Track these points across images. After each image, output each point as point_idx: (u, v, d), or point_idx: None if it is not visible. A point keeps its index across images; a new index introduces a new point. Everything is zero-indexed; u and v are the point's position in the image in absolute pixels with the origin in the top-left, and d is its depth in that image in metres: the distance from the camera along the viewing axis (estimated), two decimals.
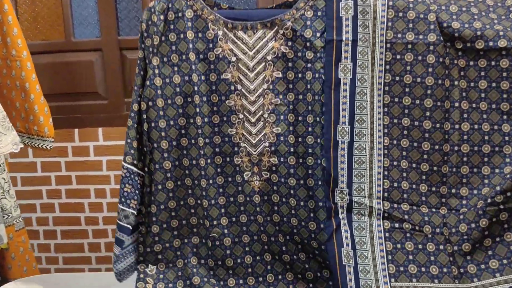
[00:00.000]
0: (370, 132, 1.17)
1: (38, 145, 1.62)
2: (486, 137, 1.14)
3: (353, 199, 1.15)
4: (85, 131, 2.34)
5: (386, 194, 1.14)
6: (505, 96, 1.11)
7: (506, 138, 1.12)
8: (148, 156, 1.23)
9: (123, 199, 1.25)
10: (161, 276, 1.25)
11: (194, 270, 1.23)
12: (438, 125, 1.16)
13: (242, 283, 1.25)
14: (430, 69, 1.13)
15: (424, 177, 1.18)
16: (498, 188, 1.12)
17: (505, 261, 1.14)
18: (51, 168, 2.38)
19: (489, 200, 1.12)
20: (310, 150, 1.20)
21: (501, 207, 1.13)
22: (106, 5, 2.23)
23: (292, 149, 1.22)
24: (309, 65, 1.18)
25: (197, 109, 1.20)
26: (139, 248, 1.26)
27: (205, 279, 1.24)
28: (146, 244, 1.25)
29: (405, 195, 1.15)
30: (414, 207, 1.16)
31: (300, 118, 1.21)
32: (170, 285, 1.23)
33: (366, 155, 1.15)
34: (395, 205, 1.15)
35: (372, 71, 1.15)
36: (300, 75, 1.20)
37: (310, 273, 1.23)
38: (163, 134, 1.21)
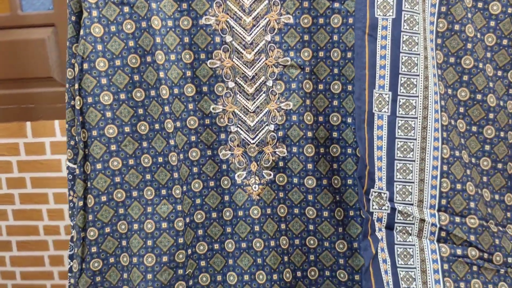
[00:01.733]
0: (423, 104, 0.77)
1: None
2: None
3: (396, 208, 0.76)
4: (39, 124, 1.98)
5: (444, 202, 0.76)
6: None
7: None
8: (82, 151, 0.84)
9: (70, 212, 0.88)
10: None
11: None
12: (501, 103, 0.80)
13: None
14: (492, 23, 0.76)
15: (485, 178, 0.81)
16: None
17: None
18: (1, 169, 2.02)
19: None
20: (335, 135, 0.82)
21: None
22: None
23: (309, 134, 0.83)
24: (336, 4, 0.79)
25: (162, 74, 0.81)
26: (76, 275, 0.88)
27: None
28: (86, 267, 0.86)
29: (472, 204, 0.78)
30: (484, 223, 0.78)
31: (321, 87, 0.82)
32: None
33: (415, 138, 0.76)
34: (458, 219, 0.77)
35: (423, 11, 0.76)
36: (322, 21, 0.81)
37: None
38: (108, 114, 0.82)
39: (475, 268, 0.79)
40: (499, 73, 0.82)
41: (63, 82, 1.94)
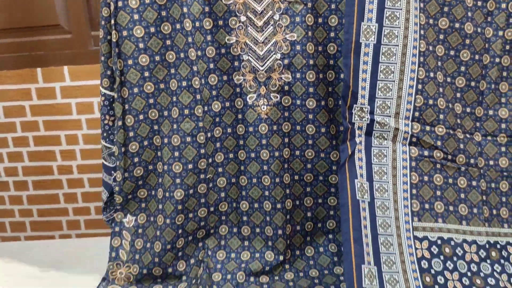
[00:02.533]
0: (403, 33, 0.93)
1: None
2: None
3: (374, 119, 0.93)
4: (49, 70, 2.10)
5: (417, 114, 0.93)
6: None
7: None
8: (119, 79, 0.99)
9: (105, 134, 1.03)
10: (140, 230, 1.05)
11: (184, 226, 1.02)
12: (479, 29, 0.95)
13: (236, 232, 1.07)
14: None
15: (459, 94, 0.98)
16: None
17: None
18: (15, 113, 2.15)
19: None
20: (331, 62, 0.97)
21: None
22: None
23: (311, 62, 0.98)
24: None
25: (185, 10, 0.95)
26: (116, 199, 1.06)
27: (195, 232, 1.04)
28: (124, 191, 1.04)
29: (441, 116, 0.95)
30: (451, 131, 0.96)
31: (320, 20, 0.96)
32: (148, 244, 1.04)
33: (396, 63, 0.92)
34: (428, 128, 0.94)
35: None
36: None
37: (310, 224, 1.05)
38: (140, 45, 0.96)
39: (438, 166, 0.97)
40: (479, 3, 0.96)
41: (69, 29, 2.04)
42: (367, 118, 0.94)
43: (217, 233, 1.05)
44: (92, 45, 2.09)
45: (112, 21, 0.95)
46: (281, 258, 1.01)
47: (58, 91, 2.11)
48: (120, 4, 0.93)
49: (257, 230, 1.05)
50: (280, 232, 1.03)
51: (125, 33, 0.94)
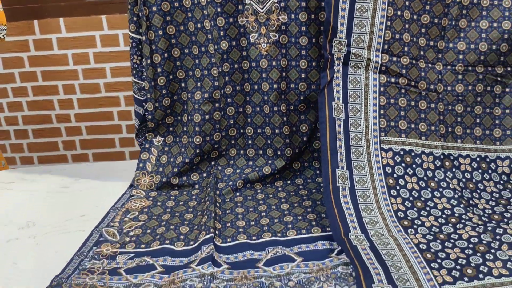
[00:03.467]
0: None
1: None
2: None
3: (351, 51, 1.08)
4: (46, 22, 2.17)
5: (386, 46, 1.09)
6: None
7: None
8: (145, 23, 1.14)
9: (134, 71, 1.20)
10: (166, 148, 1.23)
11: (202, 146, 1.20)
12: None
13: (243, 154, 1.24)
14: None
15: (423, 30, 1.14)
16: (494, 47, 1.11)
17: (487, 132, 1.17)
18: (14, 64, 2.23)
19: (489, 68, 1.11)
20: (322, 4, 1.12)
21: (499, 79, 1.14)
22: None
23: (304, 4, 1.13)
24: None
25: None
26: (149, 125, 1.22)
27: (209, 152, 1.22)
28: (156, 118, 1.21)
29: (406, 48, 1.11)
30: (414, 61, 1.12)
31: None
32: (172, 159, 1.21)
33: (369, 2, 1.07)
34: (395, 58, 1.10)
35: None
36: None
37: (304, 146, 1.23)
38: None
39: (403, 90, 1.13)
40: None
41: None
42: (345, 50, 1.09)
43: (227, 155, 1.23)
44: None
45: None
46: (276, 172, 1.20)
47: (54, 43, 2.20)
48: None
49: (260, 152, 1.23)
50: (279, 153, 1.21)
51: None
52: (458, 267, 0.80)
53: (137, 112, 1.26)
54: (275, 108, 1.20)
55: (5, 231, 0.98)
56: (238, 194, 1.14)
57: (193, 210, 1.05)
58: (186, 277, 0.79)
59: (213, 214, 0.98)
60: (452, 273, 0.79)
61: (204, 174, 1.20)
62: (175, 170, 1.18)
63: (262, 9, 1.14)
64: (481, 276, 0.78)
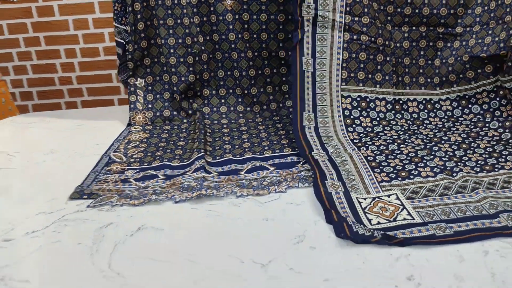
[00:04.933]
0: None
1: None
2: None
3: (318, 13, 1.28)
4: None
5: (348, 8, 1.30)
6: None
7: None
8: None
9: (115, 17, 1.39)
10: (149, 88, 1.43)
11: (178, 85, 1.40)
12: None
13: (215, 94, 1.46)
14: None
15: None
16: (434, 11, 1.32)
17: (428, 80, 1.39)
18: (18, 30, 2.40)
19: (431, 28, 1.33)
20: None
21: (440, 36, 1.35)
22: None
23: None
24: None
25: None
26: (128, 65, 1.42)
27: (183, 96, 1.42)
28: (135, 59, 1.41)
29: (365, 9, 1.32)
30: (373, 21, 1.33)
31: None
32: (158, 95, 1.42)
33: None
34: (356, 18, 1.31)
35: None
36: None
37: (270, 87, 1.45)
38: None
39: (363, 46, 1.34)
40: None
41: None
42: (313, 13, 1.29)
43: (202, 95, 1.44)
44: None
45: None
46: (248, 109, 1.42)
47: (56, 9, 2.37)
48: None
49: (230, 91, 1.44)
50: (246, 91, 1.43)
51: None
52: (395, 171, 1.03)
53: (117, 53, 1.46)
54: (242, 54, 1.42)
55: (33, 156, 1.20)
56: (225, 126, 1.36)
57: (184, 139, 1.27)
58: (183, 180, 1.01)
59: (203, 140, 1.20)
60: (390, 175, 1.01)
61: (189, 112, 1.42)
62: (166, 104, 1.40)
63: None
64: (411, 177, 1.01)
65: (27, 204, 0.95)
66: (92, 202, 0.94)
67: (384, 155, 1.10)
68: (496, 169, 1.02)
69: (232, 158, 1.13)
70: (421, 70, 1.38)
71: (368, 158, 1.08)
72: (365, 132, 1.22)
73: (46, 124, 1.38)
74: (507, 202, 0.86)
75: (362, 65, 1.33)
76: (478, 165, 1.04)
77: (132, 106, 1.42)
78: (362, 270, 0.72)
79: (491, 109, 1.27)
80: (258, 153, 1.15)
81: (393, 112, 1.31)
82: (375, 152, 1.12)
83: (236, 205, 0.92)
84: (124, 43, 1.41)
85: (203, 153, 1.12)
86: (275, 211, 0.89)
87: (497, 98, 1.27)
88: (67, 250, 0.79)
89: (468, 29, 1.32)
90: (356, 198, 0.90)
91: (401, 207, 0.87)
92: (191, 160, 1.10)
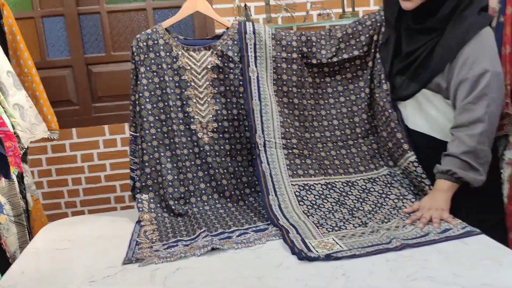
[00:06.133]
0: (271, 107, 1.92)
1: (49, 136, 2.23)
2: None
3: (265, 139, 1.89)
4: (62, 131, 2.88)
5: (282, 135, 1.91)
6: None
7: None
8: (139, 126, 1.91)
9: (130, 153, 1.93)
10: (152, 200, 1.92)
11: (170, 198, 1.90)
12: (297, 100, 1.98)
13: (198, 201, 1.92)
14: (294, 72, 1.95)
15: (297, 122, 1.96)
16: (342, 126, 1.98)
17: (345, 169, 1.98)
18: (33, 164, 2.93)
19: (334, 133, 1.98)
20: (236, 117, 1.94)
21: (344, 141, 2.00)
22: (73, 30, 2.86)
23: (224, 117, 1.95)
24: (231, 70, 1.93)
25: (169, 97, 1.91)
26: (136, 184, 1.93)
27: (176, 203, 1.91)
28: (142, 181, 1.92)
29: (293, 134, 1.93)
30: (298, 140, 1.93)
31: (228, 100, 1.96)
32: (158, 204, 1.90)
33: (270, 119, 1.91)
34: (288, 141, 1.91)
35: (266, 71, 1.93)
36: (227, 76, 1.94)
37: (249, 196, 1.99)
38: (149, 112, 1.90)
39: (296, 155, 1.93)
40: (299, 90, 2.06)
41: (77, 102, 2.94)
42: (263, 139, 1.90)
43: (190, 202, 1.94)
44: (93, 113, 2.99)
45: (137, 102, 1.89)
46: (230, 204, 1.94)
47: (67, 147, 2.95)
48: (140, 94, 1.87)
49: (215, 195, 1.96)
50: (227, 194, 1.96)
51: (142, 107, 1.89)
52: (331, 227, 1.57)
53: (132, 177, 1.93)
54: (217, 171, 1.93)
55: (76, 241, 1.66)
56: (211, 215, 1.85)
57: (185, 229, 1.75)
58: (195, 243, 1.51)
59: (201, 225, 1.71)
60: (328, 229, 1.55)
61: (186, 207, 1.89)
62: (165, 209, 1.89)
63: (204, 120, 1.92)
64: (341, 229, 1.56)
65: (92, 268, 1.41)
66: (142, 263, 1.41)
67: (324, 219, 1.65)
68: (392, 219, 1.59)
69: (224, 231, 1.65)
70: (338, 164, 1.96)
71: (314, 222, 1.63)
72: (311, 204, 1.76)
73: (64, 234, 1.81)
74: (396, 235, 1.42)
75: (299, 166, 1.90)
76: (383, 218, 1.61)
77: (140, 209, 1.86)
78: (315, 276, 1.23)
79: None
80: (242, 226, 1.68)
81: (327, 190, 1.85)
82: (318, 218, 1.67)
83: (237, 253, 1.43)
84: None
85: (203, 229, 1.63)
86: (263, 254, 1.40)
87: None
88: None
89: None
90: (309, 242, 1.44)
91: (335, 243, 1.42)
92: (196, 235, 1.61)
